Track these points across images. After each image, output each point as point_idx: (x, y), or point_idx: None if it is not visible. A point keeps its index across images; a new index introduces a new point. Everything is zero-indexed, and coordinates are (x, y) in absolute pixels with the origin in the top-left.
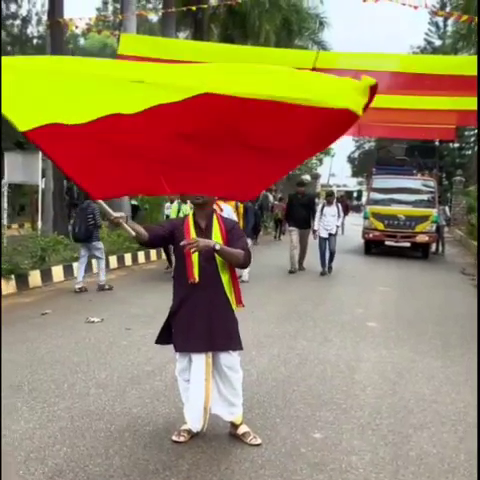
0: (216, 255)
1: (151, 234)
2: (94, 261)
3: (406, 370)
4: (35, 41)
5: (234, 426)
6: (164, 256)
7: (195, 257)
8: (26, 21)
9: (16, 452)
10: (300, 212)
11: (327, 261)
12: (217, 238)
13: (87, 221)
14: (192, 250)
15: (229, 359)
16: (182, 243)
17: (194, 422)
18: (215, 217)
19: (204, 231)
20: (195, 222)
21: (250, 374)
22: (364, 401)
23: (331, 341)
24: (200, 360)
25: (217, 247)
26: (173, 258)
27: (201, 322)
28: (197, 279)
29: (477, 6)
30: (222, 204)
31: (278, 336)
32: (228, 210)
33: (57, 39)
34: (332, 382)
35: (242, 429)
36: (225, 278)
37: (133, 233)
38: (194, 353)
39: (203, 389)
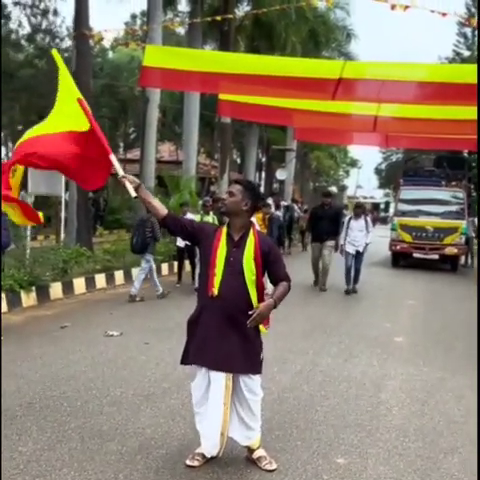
0: (245, 269)
1: (170, 216)
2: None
3: (435, 389)
4: (65, 54)
5: (250, 450)
6: (187, 269)
7: (220, 268)
8: (53, 34)
9: (20, 477)
10: (324, 225)
11: (352, 275)
12: (249, 255)
13: (145, 234)
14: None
15: (248, 382)
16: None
17: (210, 448)
18: (252, 232)
19: (236, 244)
20: (228, 234)
21: (271, 392)
22: (391, 423)
23: (357, 357)
24: (219, 382)
25: (275, 303)
26: (197, 271)
27: (220, 339)
28: (216, 293)
29: (477, 6)
30: None
31: (301, 352)
32: (253, 222)
33: (82, 51)
34: (357, 401)
35: (258, 453)
36: (253, 295)
37: (133, 193)
38: (212, 371)
39: (221, 414)
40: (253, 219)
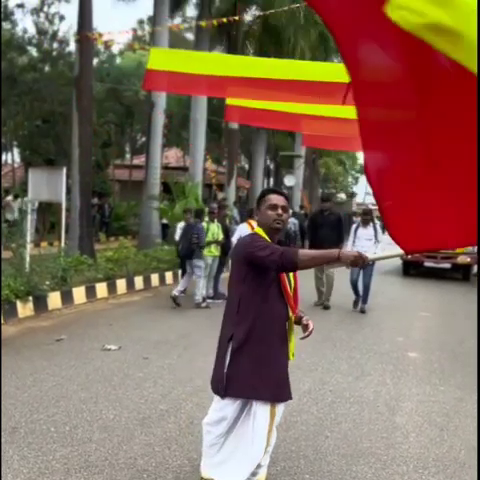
0: (292, 287)
1: None
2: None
3: (454, 411)
4: (71, 58)
5: None
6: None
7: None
8: (57, 38)
9: None
10: (325, 234)
11: (360, 292)
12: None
13: (190, 239)
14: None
15: (281, 411)
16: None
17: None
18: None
19: None
20: None
21: None
22: (408, 452)
23: (369, 375)
24: (264, 409)
25: None
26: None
27: (281, 366)
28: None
29: (477, 7)
30: (254, 223)
31: (309, 368)
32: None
33: (85, 54)
34: (370, 426)
35: None
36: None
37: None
38: (255, 402)
39: (264, 443)
40: (255, 225)
